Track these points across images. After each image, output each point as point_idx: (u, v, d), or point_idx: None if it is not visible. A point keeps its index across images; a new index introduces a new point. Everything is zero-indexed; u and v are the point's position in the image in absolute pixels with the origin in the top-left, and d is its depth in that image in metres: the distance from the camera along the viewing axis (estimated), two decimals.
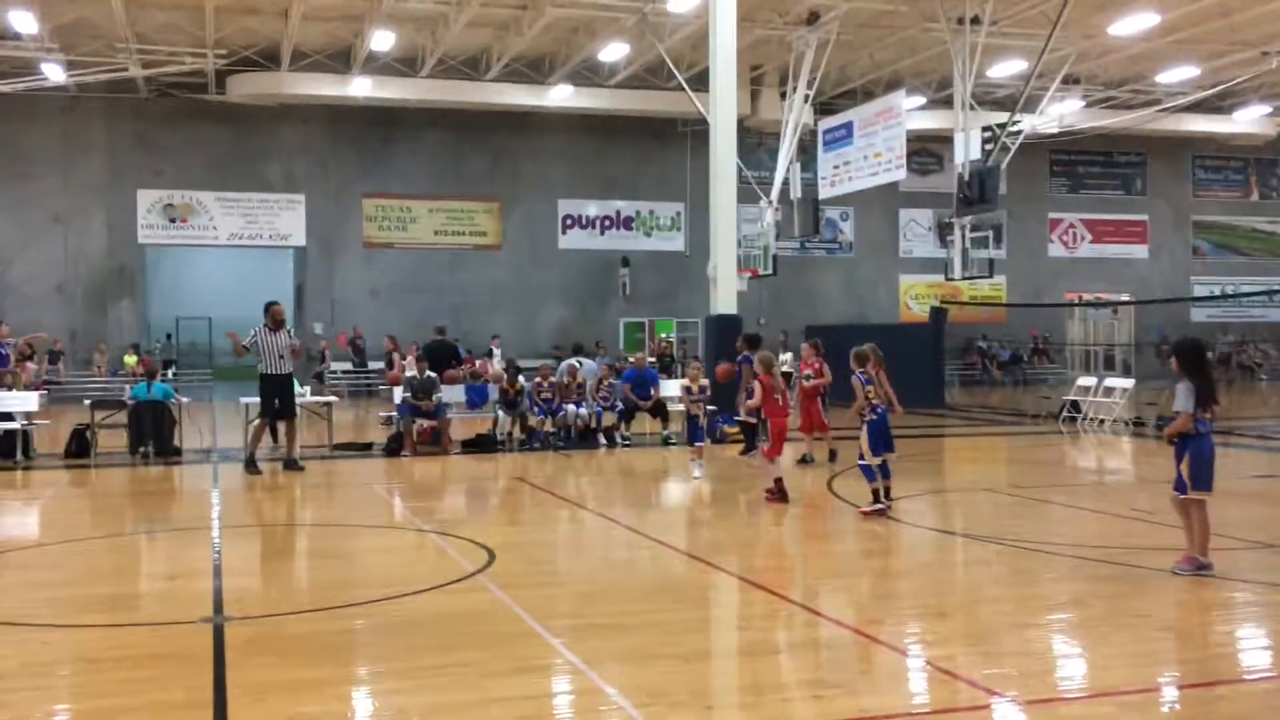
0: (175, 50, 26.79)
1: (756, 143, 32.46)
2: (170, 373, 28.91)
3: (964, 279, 26.49)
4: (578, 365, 18.62)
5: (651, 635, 6.22)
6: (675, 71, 25.01)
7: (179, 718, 4.99)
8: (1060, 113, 31.00)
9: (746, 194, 23.92)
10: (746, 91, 30.49)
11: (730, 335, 18.72)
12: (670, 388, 17.96)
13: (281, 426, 14.26)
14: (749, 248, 25.60)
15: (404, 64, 28.97)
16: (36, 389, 19.23)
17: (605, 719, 4.99)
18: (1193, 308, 39.13)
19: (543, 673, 5.67)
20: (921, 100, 30.91)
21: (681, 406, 15.51)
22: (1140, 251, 38.99)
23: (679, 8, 23.27)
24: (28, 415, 15.13)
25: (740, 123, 23.35)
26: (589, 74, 30.04)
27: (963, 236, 24.98)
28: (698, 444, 13.41)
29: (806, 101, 25.02)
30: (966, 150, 24.19)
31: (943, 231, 32.70)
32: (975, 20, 23.81)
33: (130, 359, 28.48)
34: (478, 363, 26.42)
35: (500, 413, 16.63)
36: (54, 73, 26.22)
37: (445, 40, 26.51)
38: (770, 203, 25.36)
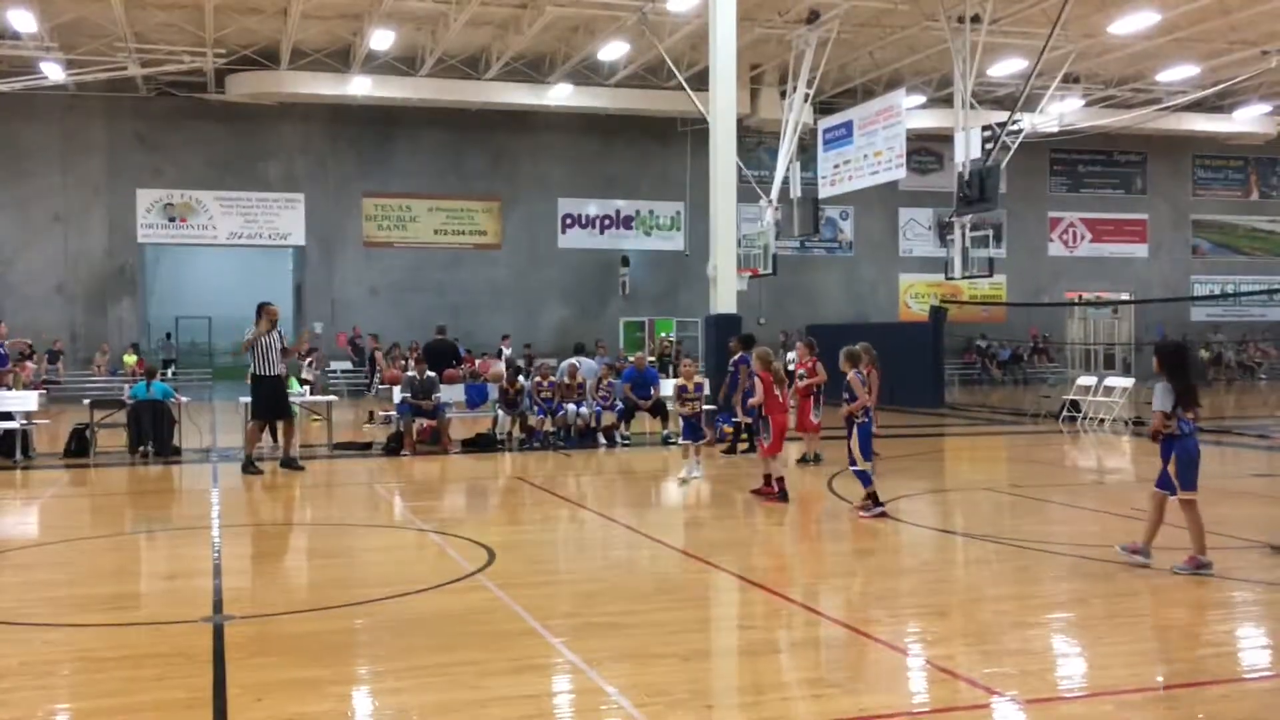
0: (175, 49, 26.79)
1: (756, 142, 32.49)
2: (170, 372, 28.92)
3: (964, 278, 26.52)
4: (577, 365, 18.62)
5: (651, 634, 6.22)
6: (675, 71, 25.02)
7: (179, 717, 4.99)
8: (1060, 112, 31.01)
9: (746, 193, 23.95)
10: (746, 91, 30.49)
11: (731, 335, 18.74)
12: (670, 387, 17.95)
13: (279, 427, 14.25)
14: (749, 247, 25.60)
15: (404, 63, 28.98)
16: (36, 388, 19.24)
17: (605, 718, 4.99)
18: (1193, 307, 39.14)
19: (542, 672, 5.67)
20: (921, 99, 30.91)
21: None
22: (1140, 251, 38.99)
23: (679, 7, 23.26)
24: (27, 415, 15.12)
25: (740, 122, 23.37)
26: (589, 73, 30.04)
27: (963, 235, 25.00)
28: (694, 442, 13.17)
29: (806, 101, 25.02)
30: (966, 149, 24.20)
31: (943, 231, 32.70)
32: (975, 19, 23.81)
33: (130, 358, 28.49)
34: (477, 362, 26.43)
35: (500, 412, 16.63)
36: (53, 72, 26.22)
37: (445, 39, 26.50)
38: (770, 202, 25.36)
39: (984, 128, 25.02)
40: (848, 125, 25.76)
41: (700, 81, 23.35)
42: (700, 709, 5.03)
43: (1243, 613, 7.02)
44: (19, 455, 14.76)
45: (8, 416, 14.79)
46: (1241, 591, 7.41)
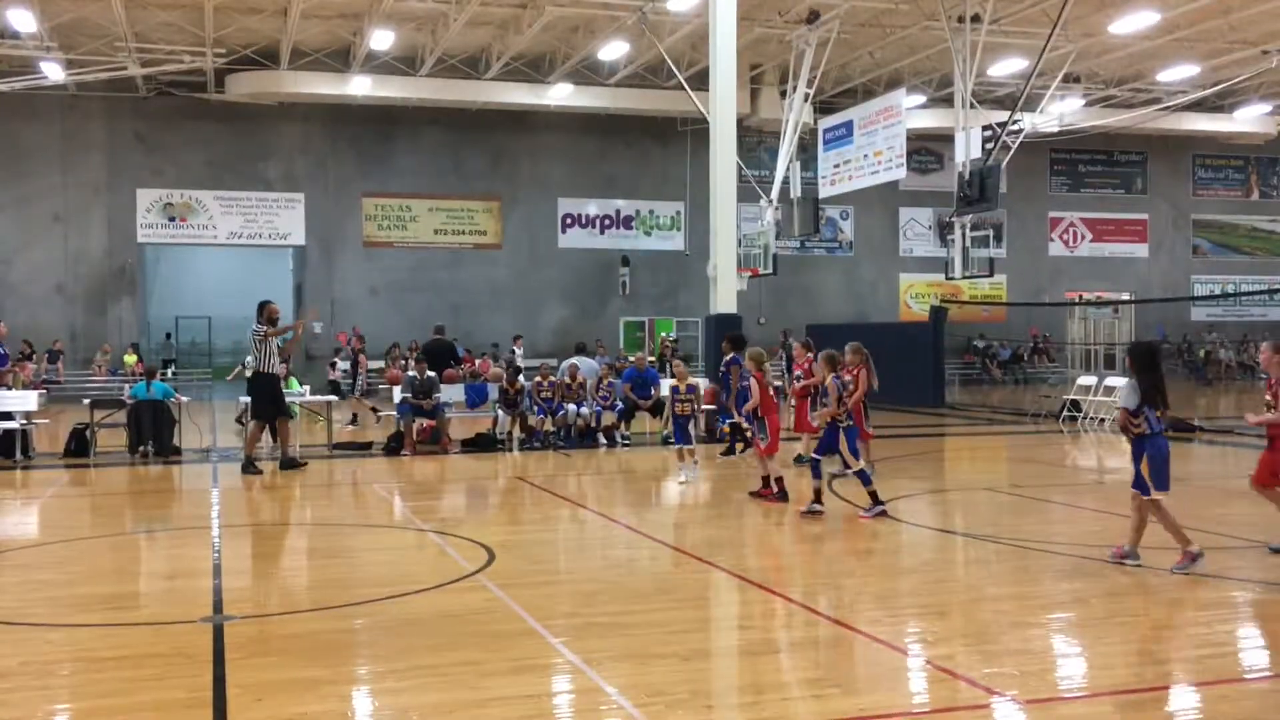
0: (174, 49, 26.79)
1: (756, 142, 32.48)
2: (170, 372, 28.92)
3: (964, 278, 26.50)
4: (578, 365, 18.61)
5: (651, 634, 6.22)
6: (675, 70, 25.01)
7: (179, 717, 4.99)
8: (1060, 111, 31.00)
9: (746, 193, 23.93)
10: (746, 91, 30.48)
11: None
12: (668, 388, 17.94)
13: (280, 426, 14.25)
14: (749, 247, 25.59)
15: (403, 63, 28.97)
16: (36, 388, 19.23)
17: (605, 718, 4.99)
18: (1193, 307, 39.13)
19: (542, 672, 5.67)
20: (922, 99, 30.90)
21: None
22: (1140, 250, 38.98)
23: (679, 6, 23.25)
24: (27, 415, 15.13)
25: (740, 122, 23.36)
26: (589, 73, 30.03)
27: (963, 235, 24.98)
28: (685, 446, 12.85)
29: (806, 100, 25.01)
30: (967, 149, 24.19)
31: (943, 230, 32.70)
32: (975, 19, 23.80)
33: (130, 358, 28.49)
34: (477, 362, 26.44)
35: (500, 412, 16.63)
36: (53, 72, 26.21)
37: (445, 39, 26.50)
38: (770, 202, 25.35)
39: (984, 127, 25.01)
40: (848, 125, 25.75)
41: (700, 81, 23.33)
42: (700, 709, 5.03)
43: (1243, 613, 7.02)
44: (19, 455, 14.77)
45: (8, 416, 14.80)
46: (1241, 591, 7.41)
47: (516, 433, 16.79)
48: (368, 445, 16.41)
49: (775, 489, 11.03)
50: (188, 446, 15.65)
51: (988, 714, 5.05)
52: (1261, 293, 37.41)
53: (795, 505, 10.58)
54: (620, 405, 17.24)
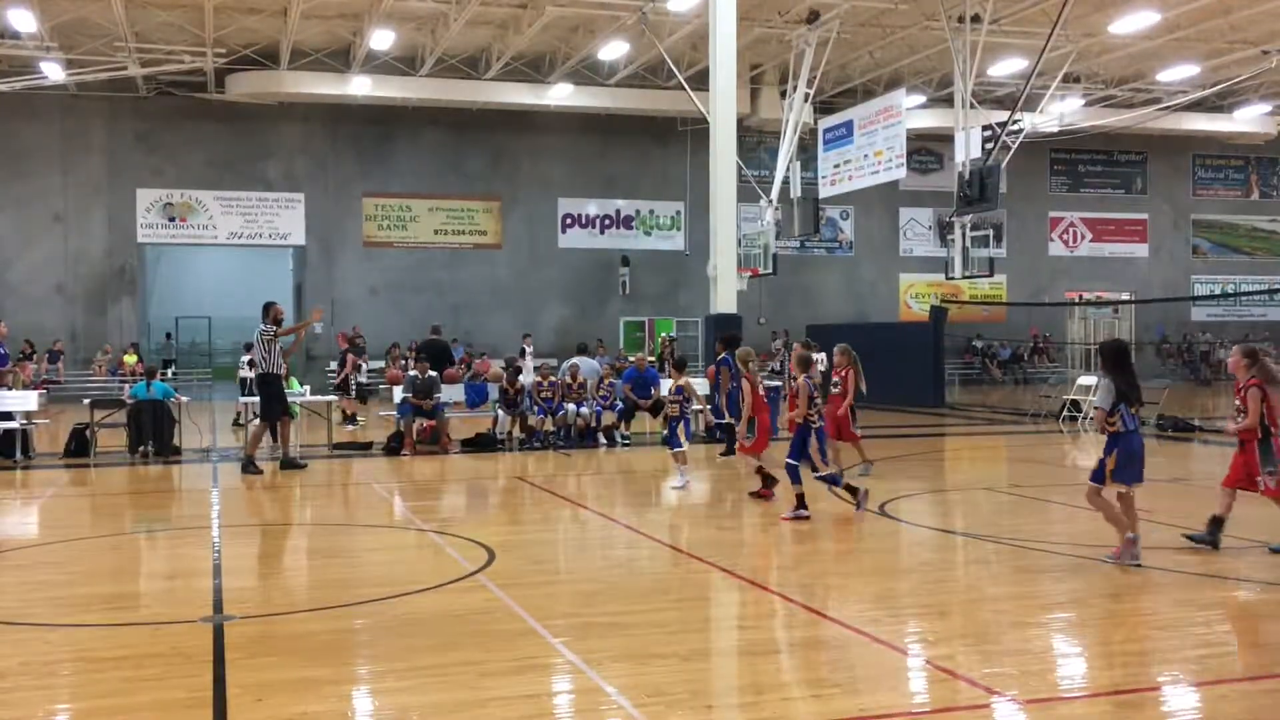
0: (174, 49, 26.79)
1: (756, 142, 32.49)
2: (170, 372, 28.92)
3: (964, 278, 26.51)
4: (579, 365, 18.61)
5: (651, 634, 6.22)
6: (675, 70, 25.02)
7: (179, 717, 4.99)
8: (1061, 111, 31.00)
9: (746, 193, 23.95)
10: (746, 91, 30.49)
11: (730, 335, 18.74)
12: (667, 388, 17.93)
13: (279, 426, 14.25)
14: (749, 247, 25.61)
15: (403, 63, 28.98)
16: (36, 388, 19.23)
17: (605, 718, 4.99)
18: (1193, 307, 39.13)
19: (543, 672, 5.67)
20: (922, 99, 30.90)
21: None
22: (1140, 250, 38.98)
23: (679, 6, 23.26)
24: (27, 415, 15.13)
25: (740, 122, 23.38)
26: (589, 73, 30.04)
27: (963, 235, 24.98)
28: (675, 449, 12.59)
29: (806, 100, 25.02)
30: (967, 149, 24.19)
31: (943, 230, 32.70)
32: (975, 19, 23.81)
33: (130, 358, 28.50)
34: (477, 361, 26.43)
35: (500, 412, 16.63)
36: (53, 72, 26.22)
37: (445, 39, 26.50)
38: (770, 202, 25.36)
39: (984, 127, 25.01)
40: (848, 125, 25.76)
41: (700, 81, 23.34)
42: (700, 709, 5.03)
43: (1243, 613, 7.03)
44: (19, 455, 14.77)
45: (8, 416, 14.80)
46: (1241, 591, 7.42)
47: (516, 433, 16.80)
48: (368, 445, 16.42)
49: (762, 481, 11.11)
50: (188, 446, 15.65)
51: (988, 714, 5.05)
52: (1261, 293, 37.41)
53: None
54: (620, 405, 17.24)
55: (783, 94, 28.08)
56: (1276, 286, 37.37)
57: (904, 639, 6.28)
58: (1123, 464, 7.76)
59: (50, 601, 7.27)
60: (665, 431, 16.98)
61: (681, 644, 6.04)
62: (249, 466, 13.49)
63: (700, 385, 16.46)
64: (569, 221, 33.65)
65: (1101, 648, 6.08)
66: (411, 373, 16.86)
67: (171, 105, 29.91)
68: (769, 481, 11.17)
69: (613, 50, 27.40)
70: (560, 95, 30.08)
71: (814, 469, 10.20)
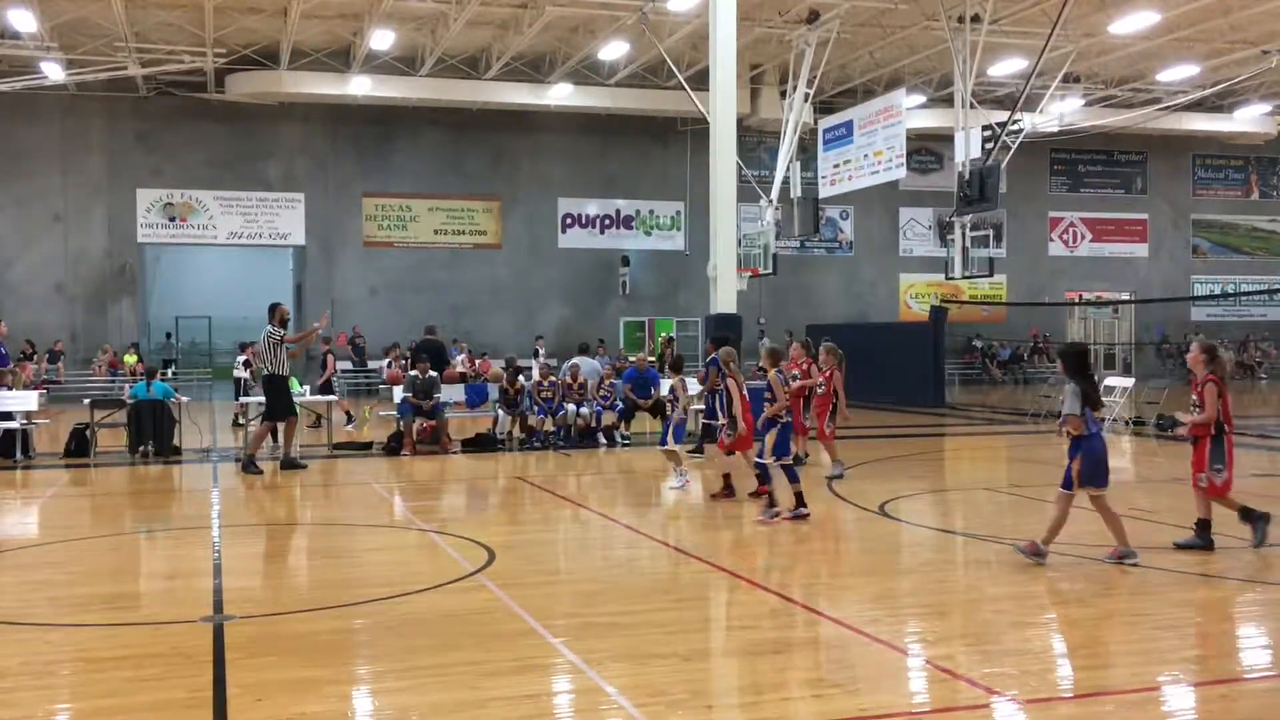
0: (174, 49, 26.79)
1: (756, 142, 32.48)
2: (170, 372, 28.92)
3: (964, 278, 26.51)
4: (579, 365, 18.61)
5: (651, 634, 6.22)
6: (675, 70, 25.02)
7: (179, 717, 4.99)
8: (1060, 111, 31.00)
9: (746, 193, 23.94)
10: (746, 90, 30.49)
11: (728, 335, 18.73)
12: (667, 388, 17.92)
13: (281, 426, 14.27)
14: (749, 247, 25.60)
15: (404, 63, 28.98)
16: (36, 388, 19.23)
17: (605, 718, 4.99)
18: (1193, 307, 39.14)
19: (543, 672, 5.67)
20: (922, 99, 30.90)
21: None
22: (1140, 250, 38.98)
23: (679, 6, 23.26)
24: (27, 415, 15.13)
25: (740, 122, 23.36)
26: (589, 73, 30.04)
27: (963, 235, 24.99)
28: (663, 446, 12.49)
29: (806, 100, 25.02)
30: (967, 149, 24.19)
31: (943, 230, 32.70)
32: (975, 19, 23.81)
33: (130, 358, 28.50)
34: (477, 362, 26.44)
35: (500, 412, 16.63)
36: (53, 71, 26.22)
37: (445, 39, 26.50)
38: (770, 202, 25.36)
39: (984, 127, 25.01)
40: (848, 125, 25.76)
41: (700, 81, 23.34)
42: (700, 709, 5.03)
43: (1243, 613, 7.03)
44: (19, 455, 14.77)
45: (8, 416, 14.80)
46: (1241, 591, 7.41)
47: (516, 433, 16.80)
48: (368, 445, 16.41)
49: (724, 485, 11.22)
50: (188, 446, 15.65)
51: (988, 714, 5.05)
52: (1261, 293, 37.41)
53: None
54: (620, 405, 17.24)
55: (783, 94, 28.08)
56: (1276, 286, 37.37)
57: (904, 639, 6.28)
58: (1088, 468, 7.82)
59: (50, 601, 7.27)
60: (663, 432, 17.05)
61: (681, 644, 6.04)
62: (250, 466, 13.49)
63: (696, 387, 16.43)
64: (569, 221, 33.65)
65: (1101, 648, 6.08)
66: (412, 373, 16.86)
67: (171, 105, 29.91)
68: (729, 486, 11.28)
69: (613, 50, 27.40)
70: (560, 95, 30.08)
71: (759, 455, 10.09)
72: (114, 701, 5.18)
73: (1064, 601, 7.12)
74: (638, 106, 31.13)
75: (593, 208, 33.77)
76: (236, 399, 19.92)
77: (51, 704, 5.28)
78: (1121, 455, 16.40)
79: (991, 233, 26.14)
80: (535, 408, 16.76)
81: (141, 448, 14.88)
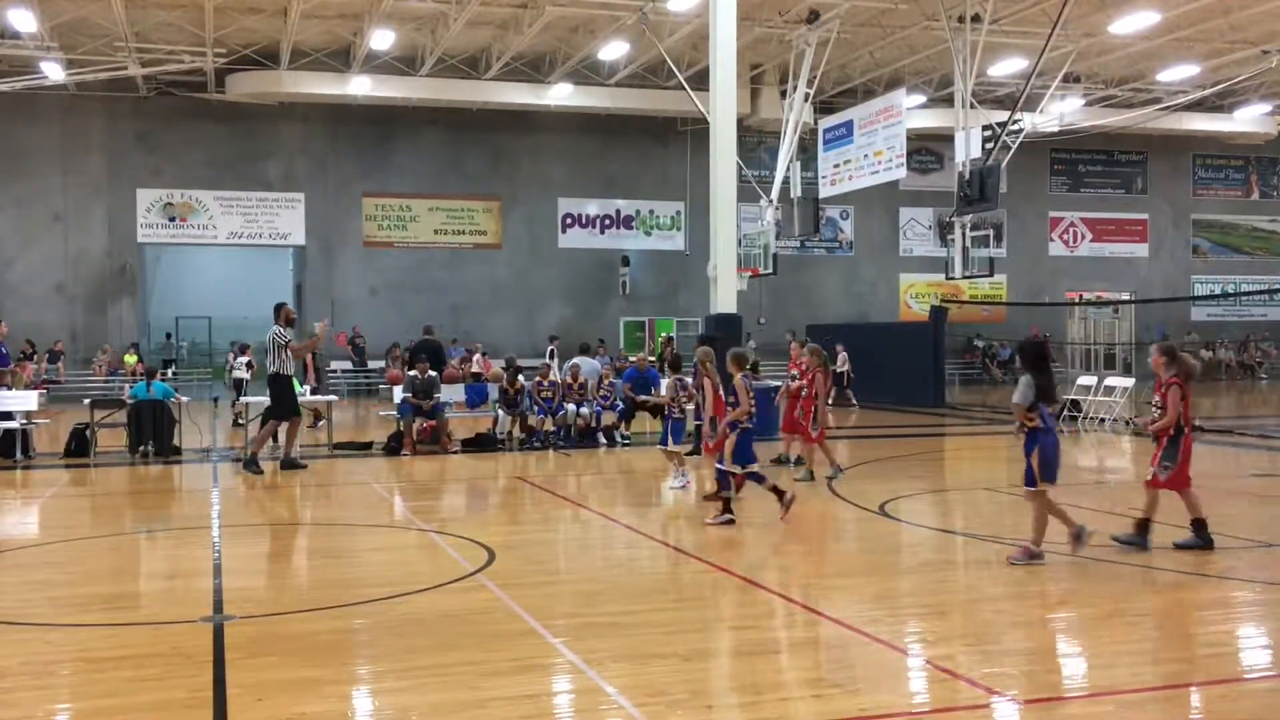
0: (175, 49, 26.79)
1: (756, 142, 32.48)
2: (170, 372, 28.92)
3: (964, 278, 26.51)
4: (579, 365, 18.61)
5: (651, 634, 6.22)
6: (675, 70, 25.01)
7: (179, 717, 4.99)
8: (1061, 111, 30.99)
9: (746, 193, 23.92)
10: (746, 90, 30.49)
11: (731, 334, 18.75)
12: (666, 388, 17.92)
13: (284, 426, 14.26)
14: (749, 247, 25.59)
15: (404, 63, 28.97)
16: (36, 388, 19.24)
17: (605, 718, 4.99)
18: (1193, 307, 39.14)
19: (543, 672, 5.68)
20: (922, 99, 30.90)
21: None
22: (1141, 250, 38.98)
23: (679, 6, 23.25)
24: (27, 414, 15.13)
25: (740, 122, 23.34)
26: (589, 73, 30.04)
27: (963, 235, 24.99)
28: (662, 446, 12.50)
29: (806, 100, 25.01)
30: (967, 149, 24.19)
31: (943, 230, 32.70)
32: (976, 18, 23.80)
33: (130, 358, 28.50)
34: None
35: (500, 412, 16.63)
36: (53, 71, 26.21)
37: (445, 39, 26.50)
38: (770, 202, 25.36)
39: (984, 127, 25.01)
40: (848, 125, 25.76)
41: (700, 81, 23.33)
42: (700, 709, 5.03)
43: (1243, 613, 7.03)
44: (19, 455, 14.77)
45: (8, 416, 14.80)
46: (1241, 591, 7.42)
47: (516, 433, 16.80)
48: (368, 445, 16.42)
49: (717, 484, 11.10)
50: (188, 446, 15.65)
51: (988, 714, 5.05)
52: (1261, 293, 37.41)
53: (796, 505, 10.53)
54: (620, 405, 17.24)
55: (783, 94, 28.07)
56: (1276, 286, 37.36)
57: (904, 639, 6.28)
58: (1044, 463, 7.89)
59: (50, 601, 7.27)
60: (663, 432, 17.05)
61: (681, 644, 6.04)
62: (251, 464, 13.48)
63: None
64: (569, 221, 33.64)
65: (1101, 648, 6.08)
66: (411, 373, 16.86)
67: (171, 105, 29.91)
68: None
69: (613, 50, 27.40)
70: (560, 95, 30.08)
71: (719, 460, 9.92)
72: (114, 701, 5.18)
73: (1064, 601, 7.12)
74: (638, 106, 31.13)
75: (593, 208, 33.77)
76: (235, 399, 19.96)
77: (51, 704, 5.29)
78: (1122, 455, 16.40)
79: (991, 233, 26.13)
80: (535, 408, 16.77)
81: (141, 448, 14.88)
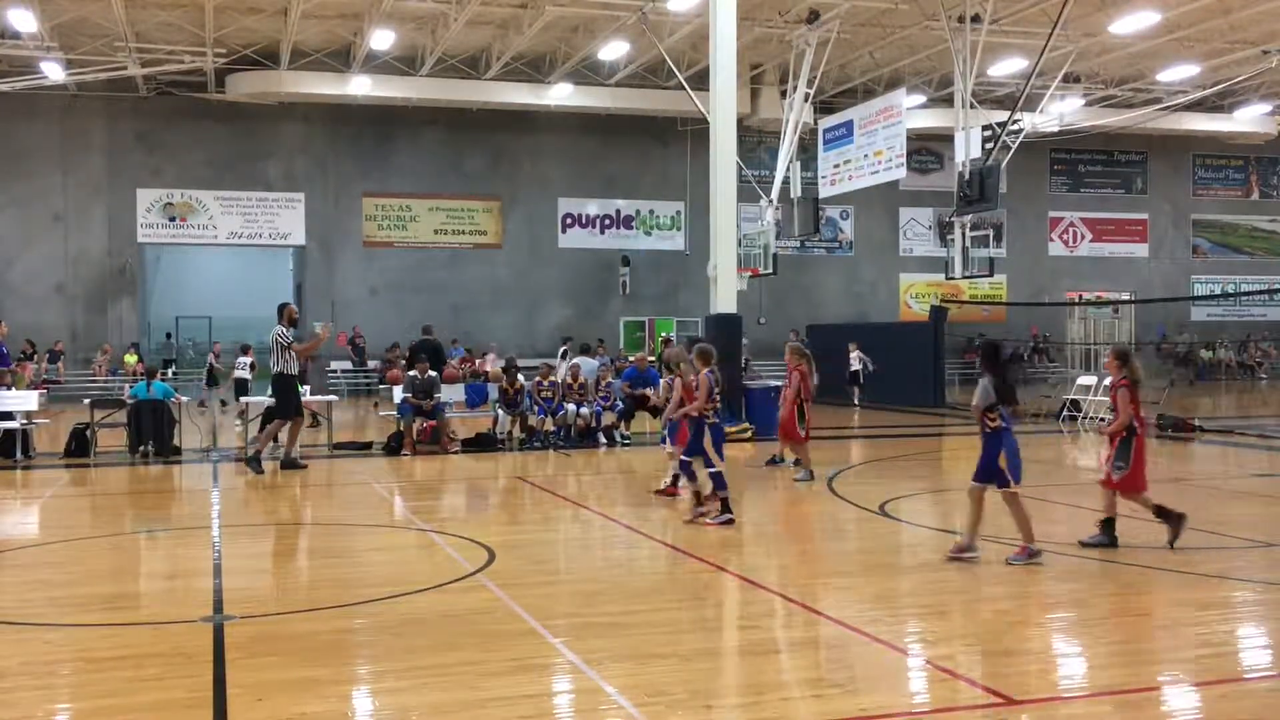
0: (175, 49, 26.80)
1: (756, 142, 32.48)
2: (170, 372, 28.91)
3: (964, 278, 26.50)
4: (579, 365, 18.61)
5: (651, 634, 6.22)
6: (675, 70, 25.01)
7: (179, 717, 4.99)
8: (1061, 111, 31.01)
9: (746, 193, 23.92)
10: (746, 90, 30.50)
11: (731, 334, 18.76)
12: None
13: (286, 426, 14.25)
14: (749, 247, 25.57)
15: (404, 63, 28.98)
16: (36, 388, 19.23)
17: (605, 718, 4.99)
18: (1193, 307, 39.14)
19: (543, 672, 5.68)
20: (922, 99, 30.90)
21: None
22: (1140, 250, 38.99)
23: (679, 6, 23.26)
24: (27, 415, 15.13)
25: (740, 122, 23.35)
26: (589, 73, 30.04)
27: (963, 235, 24.97)
28: (668, 449, 12.33)
29: (807, 100, 24.99)
30: (967, 149, 24.18)
31: (943, 230, 32.70)
32: (976, 18, 23.80)
33: (130, 358, 28.50)
34: (477, 361, 26.43)
35: (500, 412, 16.63)
36: (53, 71, 26.22)
37: (445, 39, 26.50)
38: (770, 202, 25.34)
39: (984, 127, 25.00)
40: (848, 125, 25.75)
41: (700, 81, 23.32)
42: (700, 709, 5.03)
43: (1243, 613, 7.02)
44: (19, 455, 14.77)
45: (8, 416, 14.80)
46: (1241, 591, 7.42)
47: (516, 433, 16.80)
48: (368, 445, 16.42)
49: (671, 484, 11.21)
50: (188, 446, 15.65)
51: (988, 714, 5.04)
52: (1261, 293, 37.42)
53: (796, 505, 10.57)
54: (620, 405, 17.24)
55: (783, 94, 28.07)
56: (1276, 286, 37.37)
57: (904, 639, 6.28)
58: (1010, 461, 7.96)
59: (50, 601, 7.27)
60: (663, 431, 17.05)
61: (681, 644, 6.04)
62: (253, 463, 13.48)
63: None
64: (569, 221, 33.65)
65: (1101, 648, 6.08)
66: (411, 373, 16.86)
67: (171, 105, 29.92)
68: (676, 480, 11.24)
69: (613, 50, 27.40)
70: (560, 95, 30.08)
71: (708, 463, 9.90)
72: (114, 701, 5.18)
73: (1063, 601, 7.12)
74: (638, 106, 31.13)
75: (593, 208, 33.77)
76: (235, 399, 19.96)
77: (51, 704, 5.29)
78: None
79: (991, 233, 26.13)
80: (535, 408, 16.77)
81: (141, 448, 14.88)
